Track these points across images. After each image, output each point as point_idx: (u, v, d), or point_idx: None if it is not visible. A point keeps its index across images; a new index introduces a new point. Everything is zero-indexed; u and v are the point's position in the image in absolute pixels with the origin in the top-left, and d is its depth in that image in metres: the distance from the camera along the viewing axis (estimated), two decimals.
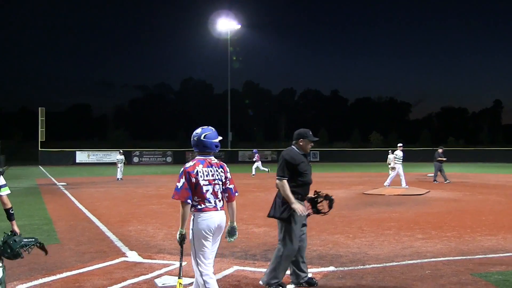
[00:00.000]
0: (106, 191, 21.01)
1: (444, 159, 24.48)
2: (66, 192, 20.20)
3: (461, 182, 23.40)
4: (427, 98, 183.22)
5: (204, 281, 4.62)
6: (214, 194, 4.66)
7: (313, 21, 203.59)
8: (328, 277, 6.41)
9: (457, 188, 20.43)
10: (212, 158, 4.80)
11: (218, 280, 6.25)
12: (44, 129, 53.75)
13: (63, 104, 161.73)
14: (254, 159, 32.03)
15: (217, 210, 4.66)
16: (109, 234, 9.89)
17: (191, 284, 6.09)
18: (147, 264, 7.23)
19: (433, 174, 24.91)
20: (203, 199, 4.61)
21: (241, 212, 10.92)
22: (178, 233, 4.67)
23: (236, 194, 4.90)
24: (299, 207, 5.65)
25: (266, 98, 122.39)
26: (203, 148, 4.75)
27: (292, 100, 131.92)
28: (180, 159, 62.45)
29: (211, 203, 4.63)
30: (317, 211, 5.98)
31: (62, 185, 24.01)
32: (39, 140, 53.85)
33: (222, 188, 4.74)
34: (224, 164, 4.88)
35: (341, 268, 6.92)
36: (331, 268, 6.91)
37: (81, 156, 58.63)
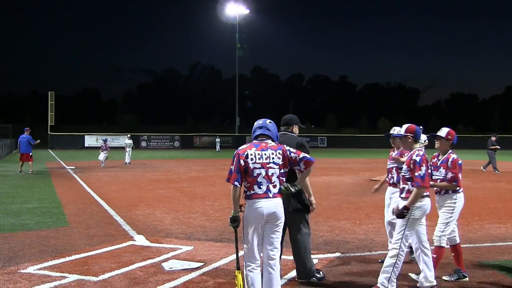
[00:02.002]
0: (114, 175, 21.13)
1: (498, 147, 23.24)
2: (75, 175, 20.34)
3: (470, 170, 23.27)
4: (436, 84, 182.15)
5: (246, 274, 4.51)
6: (268, 178, 4.47)
7: (322, 6, 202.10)
8: (334, 263, 6.43)
9: (466, 176, 20.29)
10: (269, 141, 4.64)
11: (225, 265, 6.30)
12: (53, 113, 54.04)
13: (72, 89, 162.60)
14: None
15: (269, 197, 4.45)
16: (117, 218, 9.96)
17: (199, 268, 6.15)
18: (155, 248, 7.28)
19: (486, 165, 23.42)
20: (253, 184, 4.45)
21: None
22: (231, 215, 4.58)
23: (311, 160, 4.66)
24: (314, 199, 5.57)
25: (274, 83, 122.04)
26: (258, 130, 4.69)
27: (301, 86, 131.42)
28: (187, 144, 62.83)
29: (261, 188, 4.44)
30: None
31: (71, 168, 24.17)
32: (49, 124, 54.16)
33: (280, 172, 4.53)
34: (283, 145, 4.68)
35: (347, 254, 6.93)
36: (337, 254, 6.93)
37: (90, 140, 58.96)
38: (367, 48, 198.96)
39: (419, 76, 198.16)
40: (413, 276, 5.66)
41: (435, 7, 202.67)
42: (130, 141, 29.66)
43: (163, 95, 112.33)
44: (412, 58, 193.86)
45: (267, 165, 4.48)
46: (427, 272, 5.24)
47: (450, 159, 5.68)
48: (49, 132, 54.53)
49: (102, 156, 26.37)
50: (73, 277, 5.71)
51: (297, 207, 5.49)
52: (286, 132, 5.75)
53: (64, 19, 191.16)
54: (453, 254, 5.81)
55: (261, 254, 4.59)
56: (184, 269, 6.08)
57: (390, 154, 6.58)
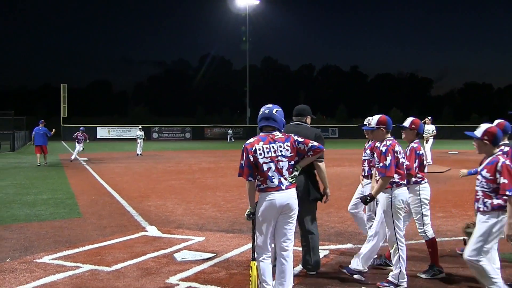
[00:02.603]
0: (126, 166, 21.28)
1: None
2: (87, 167, 20.52)
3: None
4: (449, 74, 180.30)
5: (257, 264, 4.53)
6: (278, 171, 4.43)
7: None
8: (346, 254, 6.45)
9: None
10: (276, 133, 4.56)
11: (236, 255, 6.36)
12: (66, 105, 54.41)
13: (84, 81, 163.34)
14: None
15: (282, 189, 4.42)
16: (129, 208, 10.05)
17: (210, 258, 6.20)
18: (166, 239, 7.35)
19: None
20: (265, 177, 4.41)
21: None
22: (247, 211, 4.55)
23: (321, 147, 4.66)
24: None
25: (284, 74, 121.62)
26: (264, 121, 4.58)
27: (311, 76, 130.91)
28: (198, 135, 62.95)
29: (273, 182, 4.40)
30: None
31: (83, 160, 24.37)
32: (62, 116, 54.53)
33: (290, 164, 4.50)
34: (291, 135, 4.63)
35: (359, 245, 6.89)
36: (349, 245, 6.95)
37: (102, 132, 59.38)
38: (379, 38, 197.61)
39: (431, 65, 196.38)
40: (422, 276, 5.51)
41: None
42: (142, 133, 29.83)
43: (174, 86, 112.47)
44: (424, 48, 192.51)
45: (276, 159, 4.45)
46: (402, 268, 5.11)
47: (409, 148, 5.66)
48: (62, 124, 54.89)
49: (78, 147, 24.43)
50: (87, 267, 5.80)
51: (316, 197, 5.56)
52: (300, 123, 5.75)
53: (75, 12, 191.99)
54: (429, 249, 5.68)
55: (272, 245, 4.62)
56: (195, 260, 6.13)
57: (365, 146, 6.57)
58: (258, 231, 4.52)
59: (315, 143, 4.67)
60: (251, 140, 4.54)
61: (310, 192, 5.50)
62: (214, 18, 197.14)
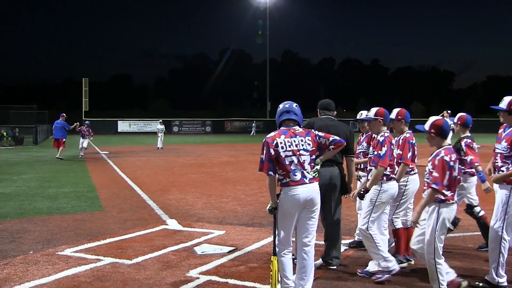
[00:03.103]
0: (147, 160, 21.43)
1: None
2: (108, 160, 20.72)
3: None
4: (471, 67, 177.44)
5: (279, 259, 4.49)
6: (300, 165, 4.38)
7: None
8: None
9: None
10: (297, 128, 4.53)
11: (256, 249, 6.34)
12: (87, 99, 54.93)
13: (105, 75, 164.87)
14: None
15: (305, 183, 4.37)
16: (150, 202, 10.11)
17: (230, 252, 6.19)
18: (187, 232, 7.36)
19: None
20: (287, 171, 4.36)
21: None
22: (268, 206, 4.47)
23: (342, 141, 4.59)
24: None
25: (305, 67, 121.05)
26: (286, 114, 4.54)
27: (332, 70, 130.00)
28: (219, 129, 63.10)
29: (296, 176, 4.35)
30: None
31: (104, 153, 24.61)
32: (83, 110, 55.13)
33: (311, 158, 4.45)
34: (311, 130, 4.59)
35: None
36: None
37: (123, 125, 59.95)
38: (399, 31, 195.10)
39: (453, 58, 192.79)
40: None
41: None
42: (162, 127, 29.97)
43: (194, 80, 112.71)
44: (446, 41, 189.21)
45: (298, 152, 4.39)
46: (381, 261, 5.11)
47: (401, 137, 5.61)
48: (83, 118, 55.31)
49: (85, 143, 22.58)
50: (108, 260, 5.84)
51: (343, 191, 5.64)
52: (333, 117, 5.82)
53: (96, 7, 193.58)
54: (394, 239, 5.75)
55: (293, 239, 4.58)
56: (216, 253, 6.14)
57: (359, 138, 6.56)
58: (280, 226, 4.47)
59: (336, 137, 4.62)
60: (272, 134, 4.49)
61: (337, 186, 5.53)
62: (234, 12, 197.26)
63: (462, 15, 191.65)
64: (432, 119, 4.65)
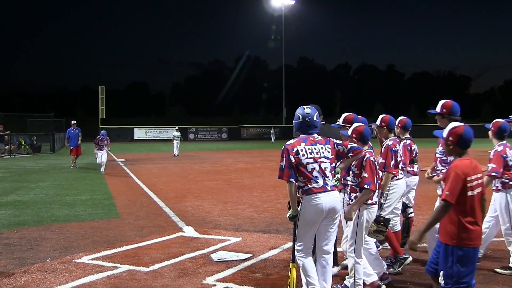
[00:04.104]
0: (163, 167, 21.50)
1: None
2: (125, 168, 20.82)
3: None
4: (488, 71, 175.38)
5: (300, 265, 4.43)
6: (322, 172, 4.33)
7: None
8: (385, 254, 6.28)
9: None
10: (316, 136, 4.48)
11: (273, 256, 6.28)
12: (104, 107, 55.39)
13: (122, 82, 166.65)
14: None
15: (327, 191, 4.32)
16: (166, 209, 10.10)
17: (247, 259, 6.15)
18: (203, 239, 7.34)
19: None
20: (309, 178, 4.30)
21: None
22: (289, 214, 4.40)
23: (359, 148, 4.55)
24: None
25: (320, 73, 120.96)
26: (307, 128, 4.47)
27: (347, 75, 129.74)
28: (235, 136, 63.20)
29: (318, 182, 4.30)
30: None
31: (121, 161, 24.75)
32: (100, 117, 55.62)
33: (331, 166, 4.40)
34: (329, 139, 4.54)
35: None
36: (385, 244, 6.75)
37: (139, 132, 60.33)
38: (415, 36, 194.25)
39: (470, 63, 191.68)
40: (499, 270, 5.61)
41: None
42: (178, 134, 30.07)
43: (210, 87, 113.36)
44: (462, 45, 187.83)
45: (319, 160, 4.35)
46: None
47: (384, 146, 5.79)
48: (100, 126, 55.92)
49: (104, 156, 18.71)
50: (125, 267, 5.83)
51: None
52: (323, 122, 5.75)
53: (112, 15, 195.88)
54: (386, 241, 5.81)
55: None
56: (232, 260, 6.10)
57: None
58: (301, 234, 4.41)
59: (354, 145, 4.60)
60: (292, 141, 4.44)
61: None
62: (250, 19, 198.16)
63: (479, 19, 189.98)
64: (353, 126, 4.99)
